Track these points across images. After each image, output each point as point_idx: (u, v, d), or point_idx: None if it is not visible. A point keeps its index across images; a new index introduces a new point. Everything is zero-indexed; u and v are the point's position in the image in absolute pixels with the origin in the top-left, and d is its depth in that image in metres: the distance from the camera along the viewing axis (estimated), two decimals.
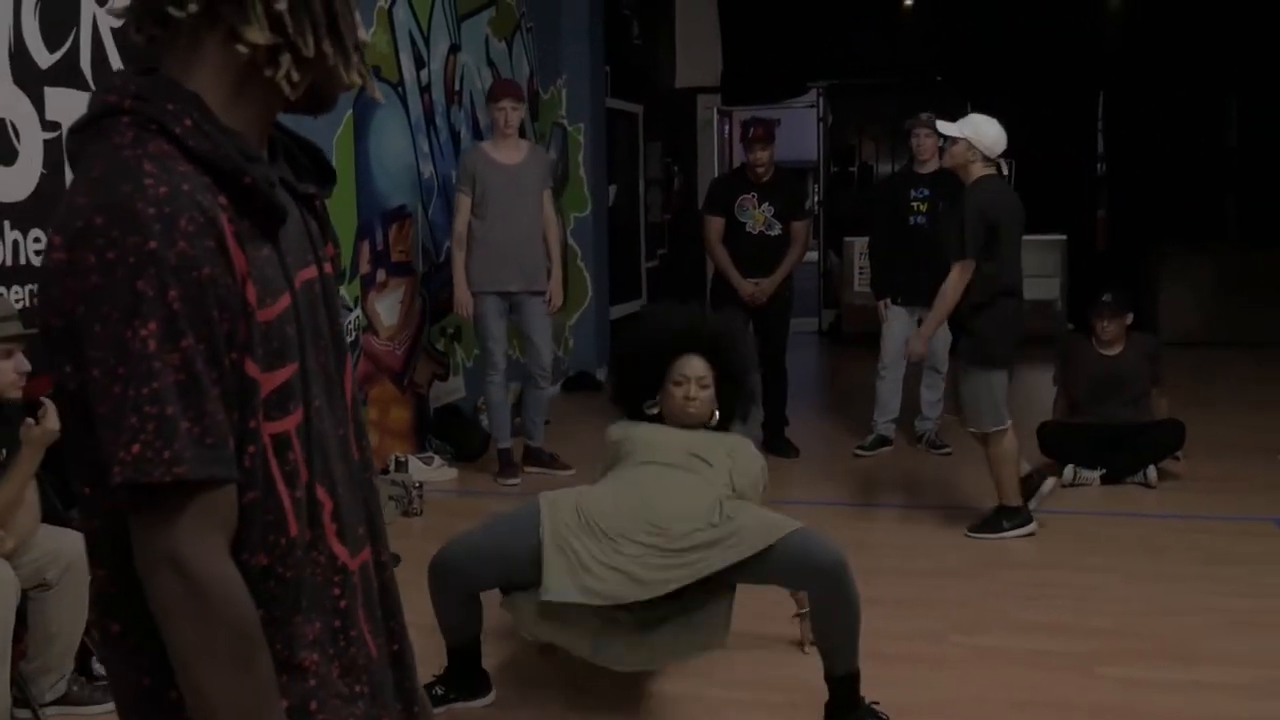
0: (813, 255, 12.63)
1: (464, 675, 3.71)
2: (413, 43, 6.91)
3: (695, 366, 3.63)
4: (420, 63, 7.02)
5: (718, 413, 3.69)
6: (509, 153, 6.37)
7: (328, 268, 1.40)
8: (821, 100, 12.18)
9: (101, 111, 1.22)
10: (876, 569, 4.88)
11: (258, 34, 1.22)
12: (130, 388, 1.11)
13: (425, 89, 7.08)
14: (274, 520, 1.24)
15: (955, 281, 5.17)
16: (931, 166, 6.81)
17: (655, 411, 3.71)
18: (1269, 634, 4.13)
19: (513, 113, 6.31)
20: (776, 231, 6.77)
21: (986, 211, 5.06)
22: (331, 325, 1.38)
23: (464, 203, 6.29)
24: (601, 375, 9.51)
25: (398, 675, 1.47)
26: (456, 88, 7.53)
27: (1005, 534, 5.28)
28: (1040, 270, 11.02)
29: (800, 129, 12.72)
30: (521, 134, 6.56)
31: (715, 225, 6.83)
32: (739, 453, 3.62)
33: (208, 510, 1.15)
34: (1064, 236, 10.99)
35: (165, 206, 1.13)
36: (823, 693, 3.50)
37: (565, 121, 9.25)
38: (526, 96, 7.28)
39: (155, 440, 1.11)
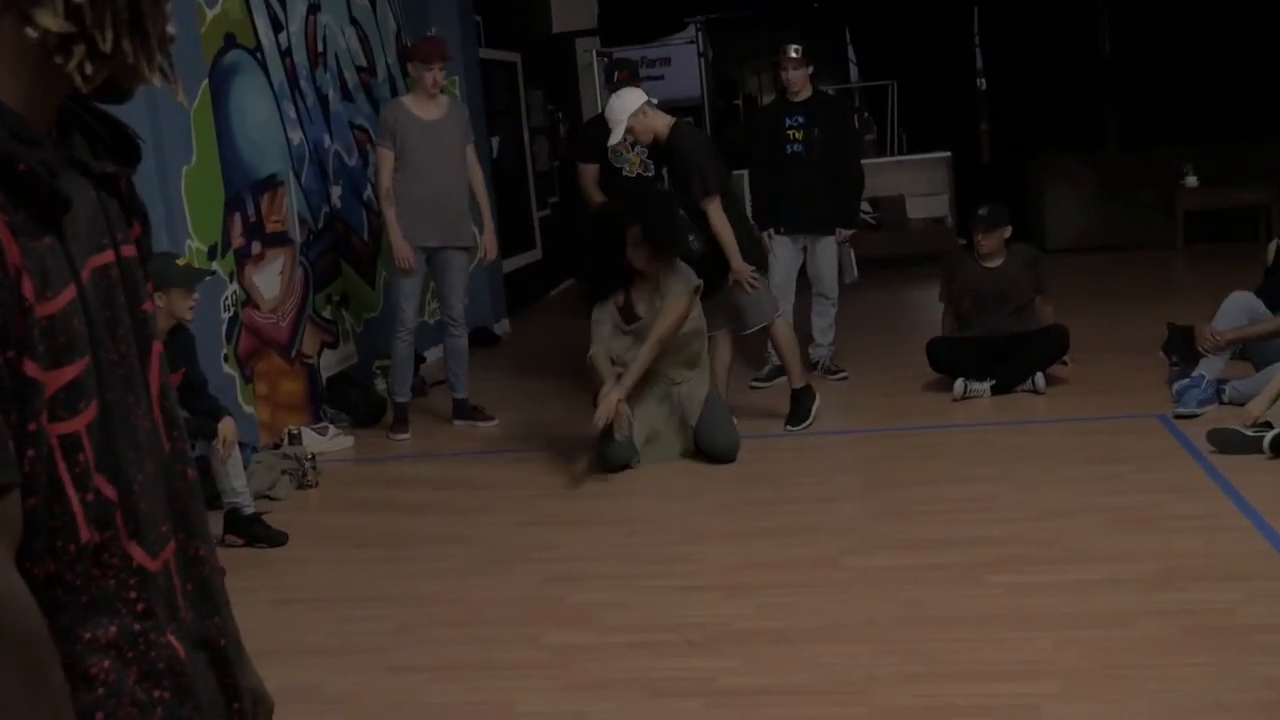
0: None
1: None
2: (268, 6, 6.72)
3: (630, 232, 5.39)
4: (278, 26, 6.83)
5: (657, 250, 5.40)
6: (429, 108, 6.34)
7: (128, 250, 1.31)
8: (701, 35, 12.11)
9: None
10: (771, 499, 4.92)
11: (50, 20, 1.13)
12: None
13: (286, 53, 6.90)
14: (61, 526, 1.17)
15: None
16: (804, 94, 6.80)
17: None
18: (1154, 528, 4.22)
19: (440, 74, 6.26)
20: (651, 173, 6.73)
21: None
22: (133, 312, 1.30)
23: (387, 157, 6.28)
24: (499, 330, 9.44)
25: (220, 673, 1.41)
26: (320, 49, 7.35)
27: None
28: (929, 188, 11.15)
29: (683, 66, 12.65)
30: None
31: (590, 172, 6.79)
32: (670, 294, 5.44)
33: None
34: (948, 153, 11.06)
35: None
36: None
37: None
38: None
39: None
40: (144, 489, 1.26)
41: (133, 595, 1.24)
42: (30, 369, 1.11)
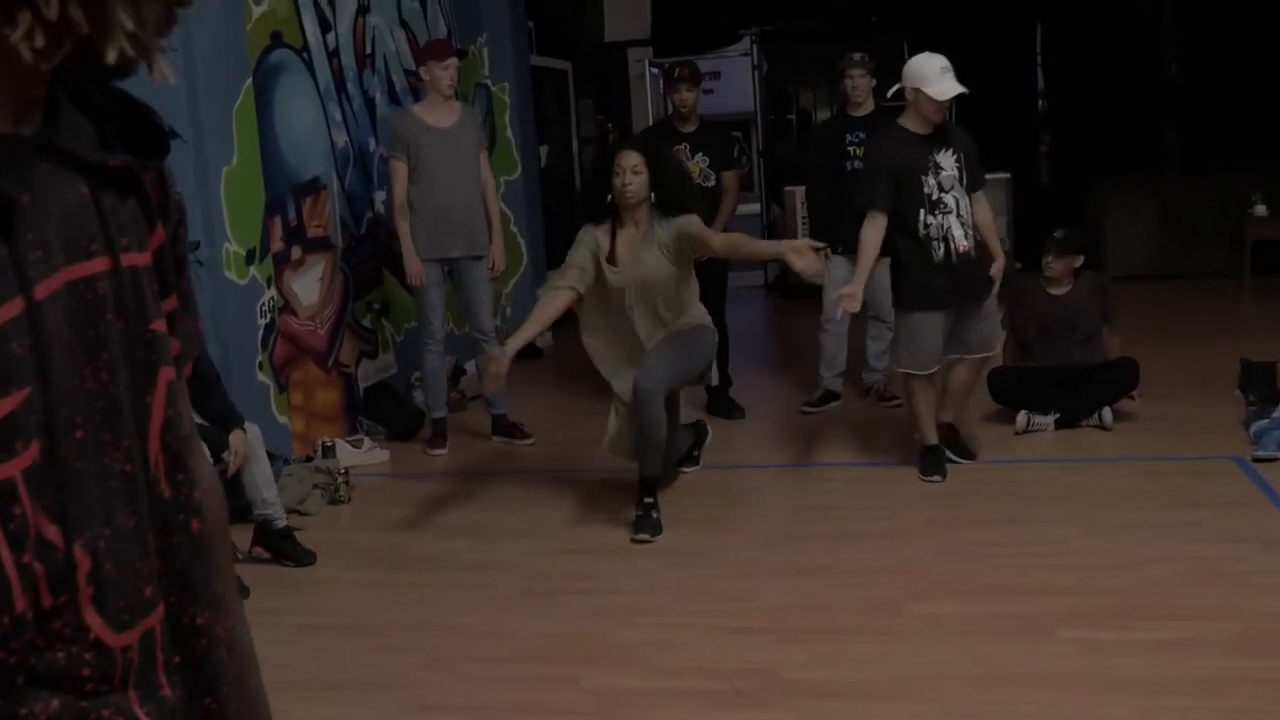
0: (755, 207, 12.39)
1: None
2: (316, 5, 6.55)
3: (629, 158, 4.90)
4: (326, 26, 6.66)
5: (654, 195, 4.96)
6: (441, 115, 6.14)
7: (134, 259, 1.09)
8: (755, 48, 11.87)
9: None
10: (828, 534, 4.67)
11: None
12: None
13: (333, 54, 6.73)
14: None
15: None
16: (866, 109, 6.56)
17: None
18: (1239, 583, 3.93)
19: (456, 72, 6.11)
20: (711, 183, 6.51)
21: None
22: (130, 332, 1.09)
23: (400, 169, 6.08)
24: (542, 344, 9.22)
25: None
26: (368, 51, 7.17)
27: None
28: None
29: (736, 79, 12.43)
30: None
31: None
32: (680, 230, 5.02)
33: None
34: (1007, 175, 10.76)
35: None
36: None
37: (489, 82, 8.91)
38: None
39: None
40: (113, 546, 1.05)
41: (86, 672, 1.03)
42: None
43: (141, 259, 1.10)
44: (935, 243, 5.21)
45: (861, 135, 6.53)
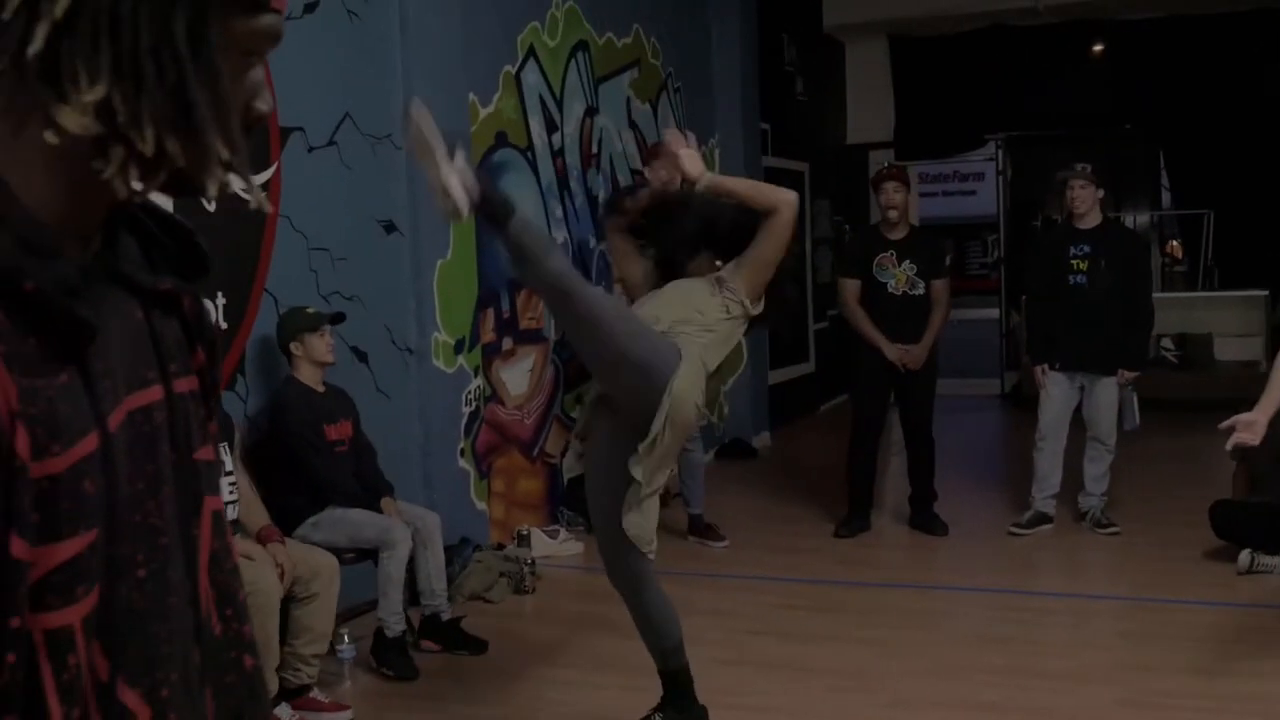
0: (993, 313, 12.06)
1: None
2: (543, 106, 6.81)
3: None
4: (552, 127, 6.90)
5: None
6: None
7: (184, 384, 1.08)
8: (1000, 153, 11.62)
9: None
10: (1004, 668, 4.42)
11: (73, 119, 0.90)
12: None
13: (558, 153, 6.96)
14: None
15: None
16: (1091, 221, 6.31)
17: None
18: None
19: (664, 174, 6.21)
20: (920, 291, 6.36)
21: None
22: (181, 462, 1.05)
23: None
24: (757, 443, 9.17)
25: None
26: (594, 151, 7.39)
27: None
28: (1241, 329, 10.24)
29: (978, 183, 12.18)
30: None
31: (851, 288, 6.48)
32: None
33: None
34: (1266, 292, 10.12)
35: None
36: None
37: None
38: None
39: None
40: (175, 693, 1.01)
41: None
42: (16, 547, 0.87)
43: (188, 384, 1.08)
44: None
45: (1086, 249, 6.27)
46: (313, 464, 4.51)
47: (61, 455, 0.89)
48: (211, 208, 4.41)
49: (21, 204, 0.90)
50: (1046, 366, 6.36)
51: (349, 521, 4.47)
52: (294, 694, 4.13)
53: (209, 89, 0.93)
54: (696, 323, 3.59)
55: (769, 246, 3.67)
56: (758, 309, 3.72)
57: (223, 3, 0.93)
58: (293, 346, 4.58)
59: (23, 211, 0.90)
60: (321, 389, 4.65)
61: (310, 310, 4.65)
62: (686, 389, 3.46)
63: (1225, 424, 4.46)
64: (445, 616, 4.76)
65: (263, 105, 0.99)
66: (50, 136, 0.89)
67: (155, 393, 1.02)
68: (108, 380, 0.95)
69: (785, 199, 3.70)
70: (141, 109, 0.90)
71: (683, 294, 3.69)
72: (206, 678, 1.05)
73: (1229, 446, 4.81)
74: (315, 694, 4.18)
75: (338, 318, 4.70)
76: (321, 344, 4.58)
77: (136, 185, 0.94)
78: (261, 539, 4.09)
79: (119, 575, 0.95)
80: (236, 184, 0.98)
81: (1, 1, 0.88)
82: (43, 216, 0.92)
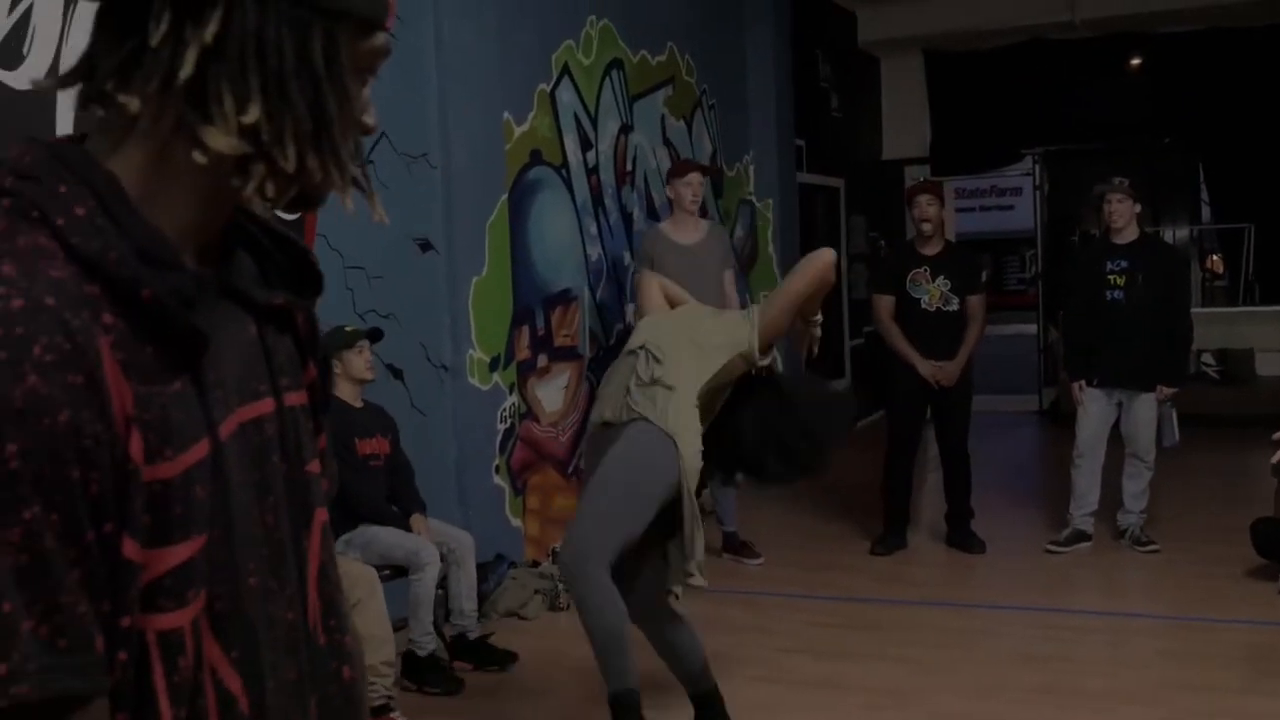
0: (1031, 328, 11.99)
1: None
2: (578, 124, 6.84)
3: None
4: (586, 144, 6.93)
5: None
6: (687, 232, 6.26)
7: (294, 398, 1.11)
8: (1037, 167, 11.56)
9: None
10: (1041, 687, 4.38)
11: (221, 140, 0.94)
12: None
13: (592, 170, 6.98)
14: None
15: None
16: (1128, 235, 6.26)
17: None
18: None
19: (700, 188, 6.23)
20: (954, 307, 6.33)
21: None
22: (292, 474, 1.08)
23: (650, 283, 6.19)
24: None
25: None
26: (628, 168, 7.41)
27: None
28: None
29: (1016, 198, 12.13)
30: (703, 213, 6.45)
31: (885, 304, 6.45)
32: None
33: None
34: None
35: (16, 327, 0.85)
36: None
37: (754, 198, 9.03)
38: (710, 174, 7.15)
39: None
40: (277, 699, 1.03)
41: None
42: (129, 548, 0.91)
43: (299, 398, 1.11)
44: None
45: (1124, 264, 6.23)
46: (341, 478, 4.54)
47: (174, 460, 0.93)
48: None
49: (142, 217, 0.94)
50: (1084, 383, 6.31)
51: (380, 541, 4.49)
52: (374, 713, 4.10)
53: (341, 106, 0.98)
54: (692, 348, 3.58)
55: (799, 280, 3.67)
56: (764, 359, 3.64)
57: (349, 24, 0.97)
58: (332, 364, 4.63)
59: (143, 224, 0.94)
60: (359, 405, 4.69)
61: (349, 328, 4.70)
62: (692, 456, 3.51)
63: (1278, 435, 4.45)
64: (472, 636, 4.76)
65: (371, 120, 1.03)
66: (199, 157, 0.94)
67: (267, 405, 1.05)
68: (219, 390, 0.99)
69: (820, 261, 3.67)
70: (285, 128, 0.95)
71: (690, 320, 3.70)
72: (311, 687, 1.07)
73: (1274, 461, 4.78)
74: (395, 716, 4.13)
75: (375, 334, 4.73)
76: (360, 361, 4.62)
77: (271, 201, 0.99)
78: None
79: (230, 581, 0.98)
80: (353, 198, 1.02)
81: (140, 27, 0.92)
82: (165, 230, 0.96)
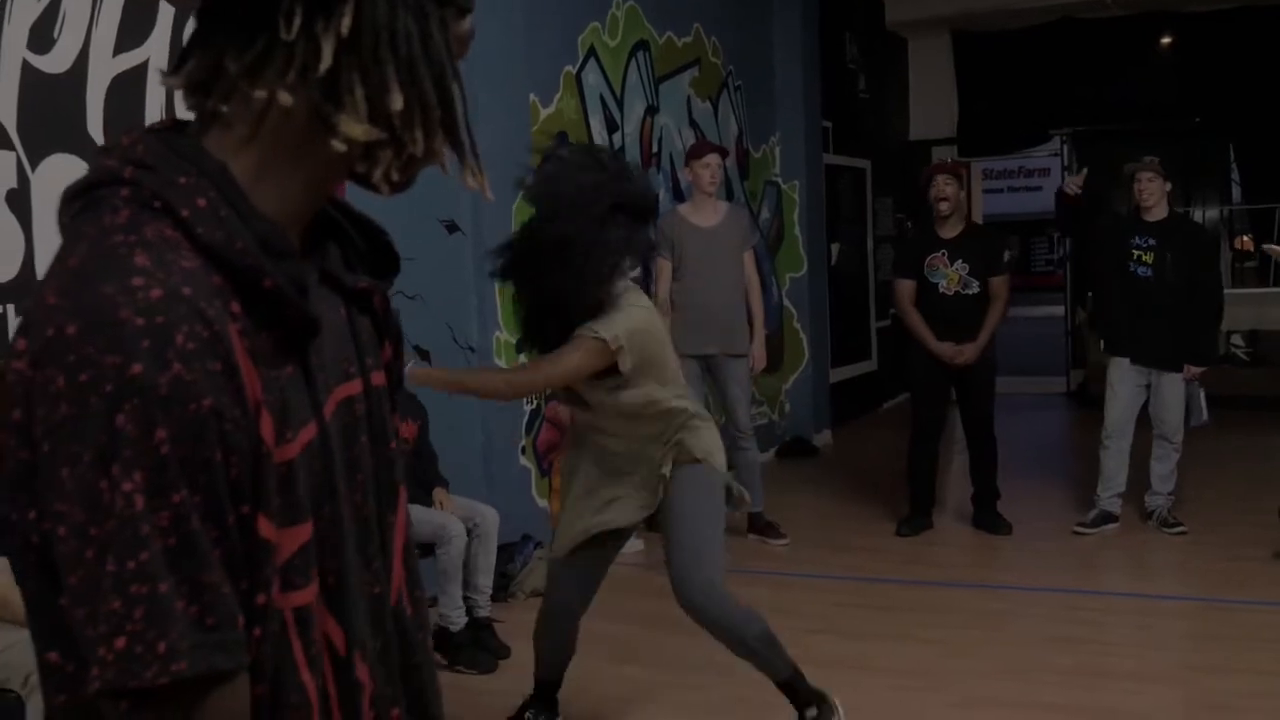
0: (1058, 310, 11.92)
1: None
2: (604, 106, 6.83)
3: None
4: (613, 126, 6.93)
5: None
6: (706, 214, 6.25)
7: (378, 378, 1.13)
8: (1065, 148, 11.48)
9: (96, 179, 0.96)
10: (1069, 668, 4.38)
11: (356, 128, 0.96)
12: (109, 558, 0.86)
13: (618, 152, 6.98)
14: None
15: None
16: (1158, 214, 6.21)
17: None
18: None
19: (718, 170, 6.20)
20: (974, 290, 6.28)
21: None
22: (377, 452, 1.11)
23: (665, 267, 6.23)
24: (819, 441, 9.14)
25: None
26: (654, 150, 7.41)
27: None
28: None
29: (1044, 178, 12.06)
30: (729, 196, 6.43)
31: (905, 289, 6.41)
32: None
33: (216, 713, 0.91)
34: None
35: (157, 316, 0.87)
36: None
37: (779, 179, 9.01)
38: (731, 155, 7.12)
39: (146, 630, 0.86)
40: (379, 670, 1.09)
41: None
42: (264, 528, 0.94)
43: (381, 378, 1.14)
44: None
45: (1151, 241, 6.18)
46: None
47: (294, 442, 0.97)
48: None
49: (255, 207, 0.97)
50: (1115, 359, 6.28)
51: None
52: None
53: (460, 89, 1.02)
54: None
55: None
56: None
57: (453, 10, 1.02)
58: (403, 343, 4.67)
59: (260, 214, 0.97)
60: None
61: None
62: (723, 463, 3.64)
63: None
64: (481, 614, 4.73)
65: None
66: (339, 145, 0.96)
67: (356, 385, 1.09)
68: (322, 373, 1.03)
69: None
70: (415, 113, 0.98)
71: None
72: (399, 656, 1.12)
73: None
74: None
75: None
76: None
77: (394, 185, 1.02)
78: None
79: (336, 556, 1.03)
80: (473, 181, 1.06)
81: (269, 20, 0.94)
82: (276, 218, 0.99)
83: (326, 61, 0.94)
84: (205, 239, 0.93)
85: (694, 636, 4.45)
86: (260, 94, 0.95)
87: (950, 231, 6.33)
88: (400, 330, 1.21)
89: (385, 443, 1.12)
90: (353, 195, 1.13)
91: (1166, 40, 11.24)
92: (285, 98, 0.95)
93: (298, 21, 0.93)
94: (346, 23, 0.94)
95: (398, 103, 0.96)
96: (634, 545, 6.37)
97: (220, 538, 0.90)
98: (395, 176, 1.01)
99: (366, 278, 1.13)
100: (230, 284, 0.94)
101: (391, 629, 1.11)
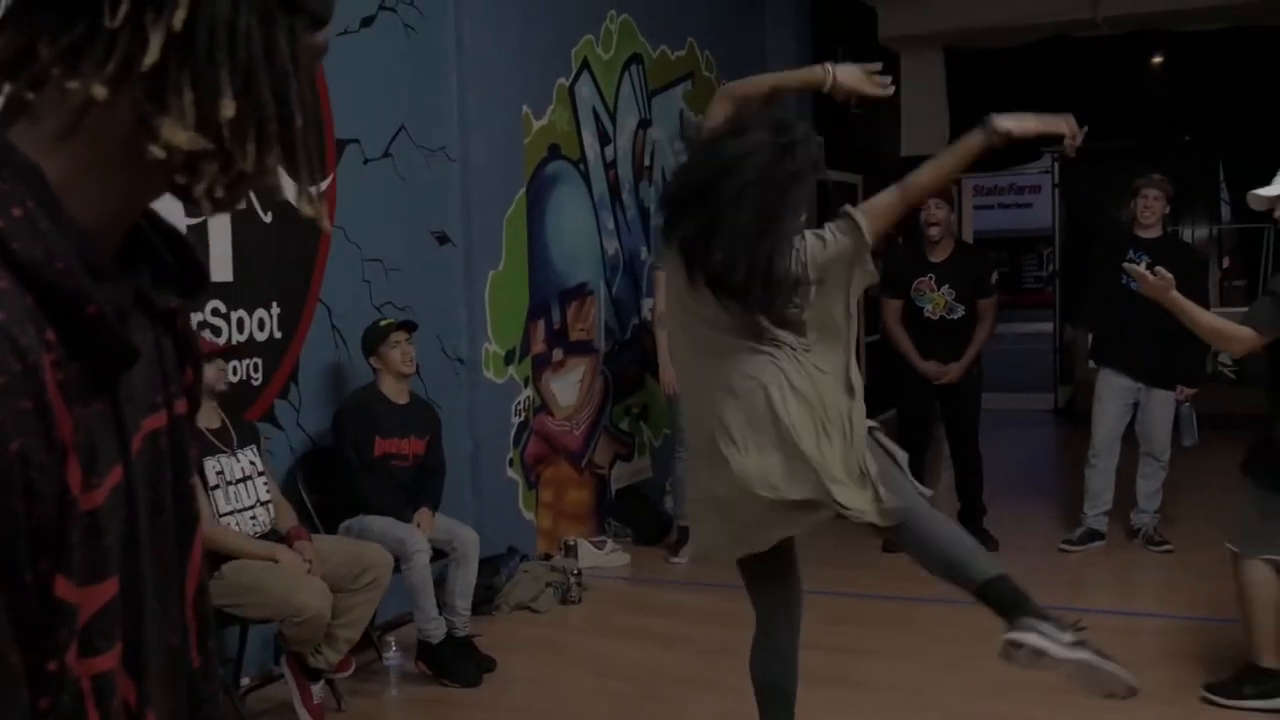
0: (1047, 326, 11.96)
1: None
2: (596, 119, 6.85)
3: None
4: (605, 139, 6.94)
5: None
6: None
7: (181, 406, 1.00)
8: (1056, 165, 11.53)
9: None
10: (1053, 687, 4.36)
11: (178, 133, 0.85)
12: None
13: (610, 165, 7.00)
14: None
15: None
16: (1153, 232, 6.25)
17: None
18: None
19: None
20: (958, 315, 6.30)
21: None
22: (178, 488, 0.98)
23: (662, 279, 6.21)
24: None
25: None
26: (647, 163, 7.42)
27: (1247, 704, 4.28)
28: None
29: (1034, 195, 12.11)
30: None
31: (892, 307, 6.44)
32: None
33: None
34: None
35: None
36: None
37: None
38: None
39: None
40: None
41: None
42: (62, 588, 0.82)
43: (184, 406, 1.01)
44: None
45: (1145, 258, 6.18)
46: (349, 472, 4.57)
47: (100, 488, 0.84)
48: (268, 219, 4.48)
49: (78, 223, 0.84)
50: (1102, 369, 6.30)
51: (371, 531, 4.47)
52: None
53: (304, 104, 0.90)
54: None
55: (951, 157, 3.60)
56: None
57: (305, 19, 0.90)
58: (372, 361, 4.69)
59: (81, 231, 0.84)
60: (403, 401, 4.72)
61: (382, 323, 4.75)
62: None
63: None
64: (460, 634, 4.67)
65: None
66: (156, 151, 0.84)
67: (161, 418, 0.96)
68: (130, 406, 0.90)
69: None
70: (249, 124, 0.87)
71: None
72: (189, 710, 1.01)
73: None
74: (315, 690, 4.15)
75: (409, 325, 4.76)
76: (396, 354, 4.67)
77: (218, 203, 0.90)
78: (290, 538, 4.14)
79: (137, 612, 0.91)
80: (309, 208, 0.94)
81: (92, 7, 0.83)
82: (93, 231, 0.86)
83: (153, 56, 0.83)
84: (22, 256, 0.79)
85: (676, 650, 4.47)
86: (73, 85, 0.83)
87: (939, 255, 6.34)
88: (200, 353, 1.05)
89: (186, 476, 1.00)
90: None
91: (1157, 60, 11.28)
92: (100, 91, 0.83)
93: (124, 8, 0.82)
94: (180, 16, 0.83)
95: (229, 110, 0.85)
96: (619, 559, 6.38)
97: (14, 600, 0.78)
98: (219, 194, 0.89)
99: (175, 297, 0.99)
100: (43, 309, 0.80)
101: (183, 685, 1.00)
